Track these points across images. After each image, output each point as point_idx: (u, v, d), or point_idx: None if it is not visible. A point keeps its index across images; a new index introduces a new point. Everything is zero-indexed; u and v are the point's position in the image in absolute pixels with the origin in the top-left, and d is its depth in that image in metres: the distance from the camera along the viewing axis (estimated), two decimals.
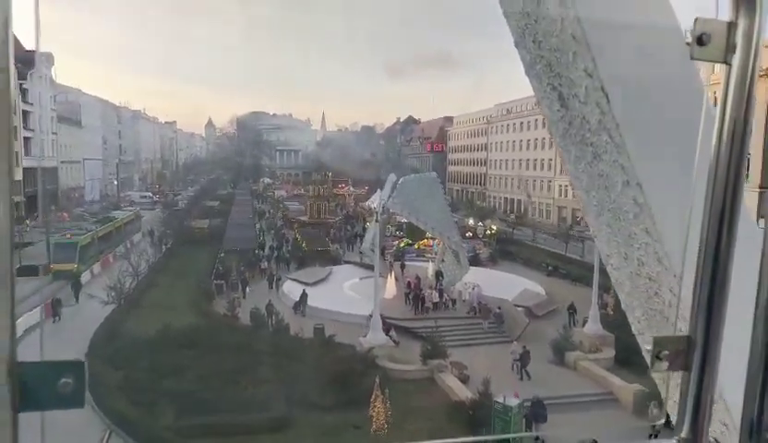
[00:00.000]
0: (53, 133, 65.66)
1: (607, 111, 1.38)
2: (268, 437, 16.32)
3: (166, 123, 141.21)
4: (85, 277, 34.63)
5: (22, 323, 25.05)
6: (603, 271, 25.34)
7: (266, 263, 36.39)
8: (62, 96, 70.50)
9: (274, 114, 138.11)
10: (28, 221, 53.28)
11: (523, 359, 21.48)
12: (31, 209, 58.40)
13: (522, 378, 20.99)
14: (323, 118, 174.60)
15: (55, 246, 37.28)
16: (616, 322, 24.38)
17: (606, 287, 25.83)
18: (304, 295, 29.41)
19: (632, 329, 1.61)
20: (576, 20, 1.37)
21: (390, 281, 32.66)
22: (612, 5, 1.43)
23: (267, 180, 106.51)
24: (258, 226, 53.89)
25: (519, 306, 28.63)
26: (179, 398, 17.24)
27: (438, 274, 32.59)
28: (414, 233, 41.25)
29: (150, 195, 79.77)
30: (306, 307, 28.75)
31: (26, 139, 60.07)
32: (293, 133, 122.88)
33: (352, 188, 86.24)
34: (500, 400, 16.62)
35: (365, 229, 49.81)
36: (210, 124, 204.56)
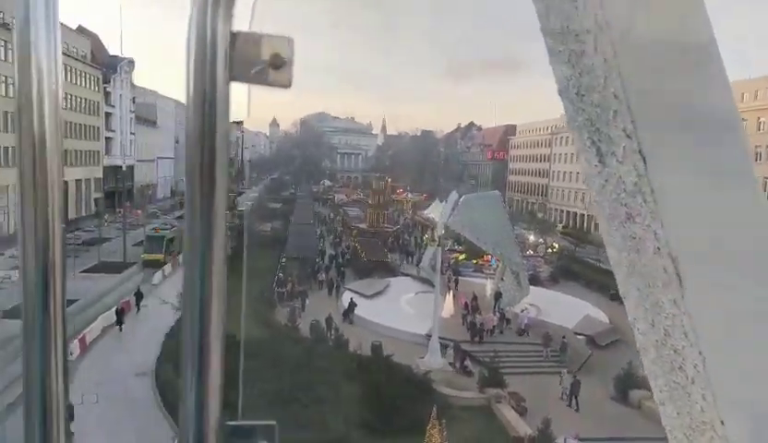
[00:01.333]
0: (131, 133, 69.60)
1: (644, 174, 1.40)
2: None
3: (233, 122, 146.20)
4: (157, 277, 36.54)
5: (98, 325, 26.70)
6: None
7: (324, 274, 37.11)
8: (140, 98, 74.56)
9: (336, 117, 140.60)
10: (106, 217, 56.69)
11: (573, 389, 21.11)
12: (108, 204, 62.17)
13: (578, 410, 20.64)
14: (384, 122, 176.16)
15: (146, 239, 42.15)
16: None
17: None
18: (352, 304, 30.88)
19: (654, 396, 1.61)
20: (619, 78, 1.40)
21: (449, 299, 32.58)
22: (657, 66, 1.44)
23: (327, 182, 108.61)
24: (318, 232, 55.02)
25: (580, 335, 27.91)
26: (242, 412, 17.93)
27: (497, 295, 32.21)
28: (473, 247, 40.95)
29: None
30: (353, 315, 30.13)
31: (107, 140, 63.95)
32: (354, 136, 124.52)
33: (410, 195, 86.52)
34: (561, 442, 16.31)
35: (422, 240, 50.03)
36: (274, 123, 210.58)
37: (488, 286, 35.59)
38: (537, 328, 28.12)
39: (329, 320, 27.24)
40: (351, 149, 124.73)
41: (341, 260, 40.84)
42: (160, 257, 39.93)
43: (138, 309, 30.42)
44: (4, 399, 19.65)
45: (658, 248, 1.39)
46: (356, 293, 34.21)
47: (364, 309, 30.76)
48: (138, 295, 31.04)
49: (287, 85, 0.67)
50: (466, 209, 32.10)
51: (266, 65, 0.66)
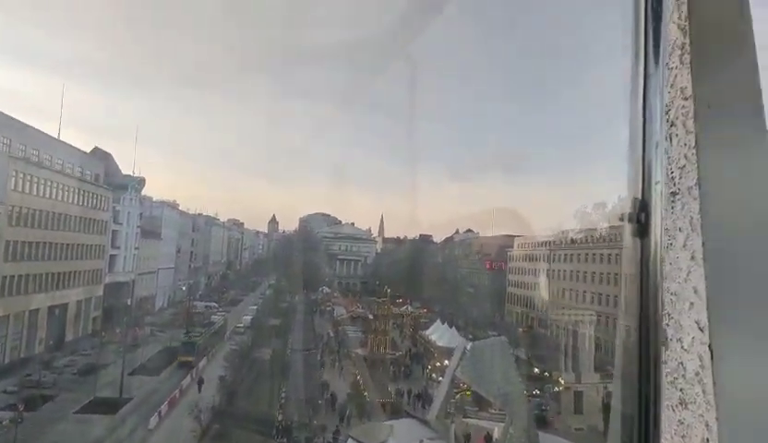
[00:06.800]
0: (135, 248, 70.11)
1: (708, 367, 1.34)
2: None
3: (234, 224, 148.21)
4: (153, 421, 35.23)
5: None
6: None
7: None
8: (146, 211, 75.91)
9: (335, 219, 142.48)
10: (103, 334, 55.68)
11: None
12: (106, 322, 61.27)
13: None
14: (381, 224, 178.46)
15: (181, 344, 50.68)
16: None
17: None
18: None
19: None
20: (702, 278, 1.36)
21: None
22: (745, 265, 1.38)
23: (326, 289, 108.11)
24: (318, 357, 54.07)
25: None
26: None
27: None
28: None
29: (215, 305, 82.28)
30: None
31: (111, 257, 64.33)
32: (354, 243, 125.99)
33: (410, 307, 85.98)
34: None
35: (428, 369, 49.30)
36: (273, 220, 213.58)
37: (496, 431, 34.31)
38: None
39: None
40: (351, 256, 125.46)
41: (343, 403, 39.55)
42: (191, 359, 48.33)
43: None
44: None
45: (707, 440, 1.34)
46: (358, 442, 33.01)
47: None
48: None
49: None
50: (473, 358, 31.86)
51: None
